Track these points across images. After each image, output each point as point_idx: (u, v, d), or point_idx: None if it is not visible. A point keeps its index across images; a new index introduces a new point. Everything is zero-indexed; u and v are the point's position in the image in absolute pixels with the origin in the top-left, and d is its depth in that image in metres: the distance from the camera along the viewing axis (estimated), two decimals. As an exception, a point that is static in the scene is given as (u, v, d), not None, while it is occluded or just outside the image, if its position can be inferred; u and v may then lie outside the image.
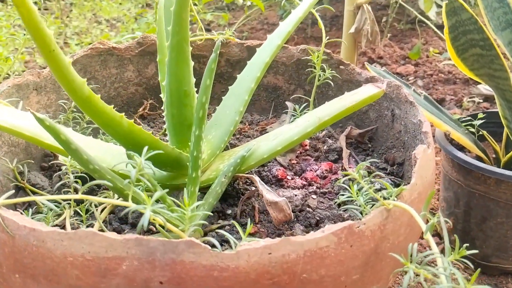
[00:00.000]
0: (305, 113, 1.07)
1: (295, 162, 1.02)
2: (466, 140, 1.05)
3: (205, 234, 0.81)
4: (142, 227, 0.49)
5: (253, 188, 0.88)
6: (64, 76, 0.55)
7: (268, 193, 0.80)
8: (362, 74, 1.07)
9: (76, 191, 0.77)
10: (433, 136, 1.07)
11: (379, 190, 0.87)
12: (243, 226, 0.84)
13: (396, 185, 0.92)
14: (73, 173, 0.82)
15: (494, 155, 1.11)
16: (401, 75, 2.27)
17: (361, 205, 0.66)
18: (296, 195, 0.86)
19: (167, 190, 0.67)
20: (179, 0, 0.70)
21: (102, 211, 0.79)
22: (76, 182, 0.77)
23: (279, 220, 0.80)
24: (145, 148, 0.61)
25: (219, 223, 0.83)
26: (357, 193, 0.66)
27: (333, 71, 1.08)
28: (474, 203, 1.06)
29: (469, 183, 1.04)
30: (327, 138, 1.10)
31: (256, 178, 0.82)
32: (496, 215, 1.03)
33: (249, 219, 0.83)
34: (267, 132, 1.13)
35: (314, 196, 0.89)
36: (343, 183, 0.81)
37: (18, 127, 0.76)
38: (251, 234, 0.81)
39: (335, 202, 0.88)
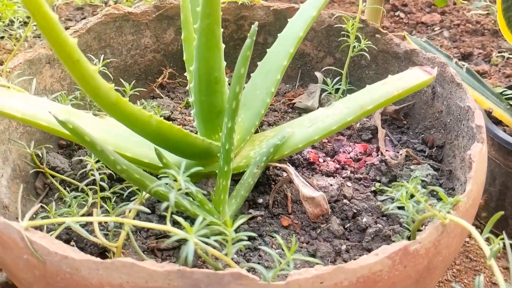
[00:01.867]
0: (338, 88, 1.00)
1: (327, 140, 0.97)
2: (509, 118, 0.99)
3: (238, 226, 0.77)
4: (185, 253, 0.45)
5: (285, 175, 0.83)
6: (90, 85, 0.49)
7: (304, 187, 0.75)
8: (401, 45, 0.98)
9: (102, 189, 0.73)
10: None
11: (424, 182, 0.82)
12: (276, 216, 0.80)
13: (435, 170, 0.87)
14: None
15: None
16: (426, 24, 2.14)
17: (410, 212, 0.61)
18: (331, 185, 0.81)
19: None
20: None
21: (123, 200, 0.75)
22: (102, 179, 0.73)
23: (315, 214, 0.76)
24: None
25: (251, 213, 0.79)
26: (407, 199, 0.61)
27: (369, 41, 0.99)
28: (510, 180, 1.01)
29: (509, 164, 0.99)
30: (359, 113, 1.03)
31: (291, 170, 0.77)
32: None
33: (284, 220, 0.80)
34: (295, 104, 1.07)
35: (349, 184, 0.84)
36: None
37: (33, 116, 0.71)
38: (285, 227, 0.78)
39: (371, 190, 0.84)
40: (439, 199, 0.80)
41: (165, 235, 0.75)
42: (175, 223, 0.75)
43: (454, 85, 0.85)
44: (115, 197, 0.82)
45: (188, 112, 1.07)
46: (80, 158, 0.85)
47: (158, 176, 0.78)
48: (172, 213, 0.53)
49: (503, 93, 1.05)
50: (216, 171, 0.81)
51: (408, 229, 0.72)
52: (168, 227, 0.49)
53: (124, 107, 0.56)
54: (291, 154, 0.80)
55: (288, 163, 0.80)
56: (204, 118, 0.77)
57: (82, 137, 0.59)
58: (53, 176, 0.87)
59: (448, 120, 0.89)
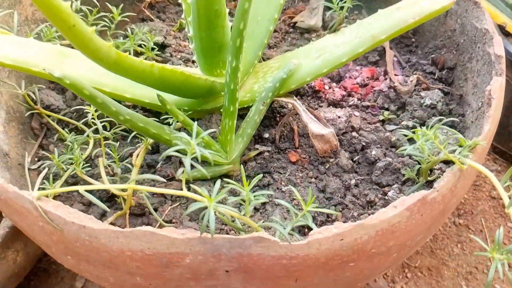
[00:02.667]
0: (342, 7, 0.93)
1: (331, 64, 0.92)
2: (522, 32, 0.94)
3: (245, 163, 0.77)
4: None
5: (290, 106, 0.81)
6: (90, 48, 0.44)
7: (313, 124, 0.73)
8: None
9: (105, 138, 0.70)
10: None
11: (430, 107, 0.80)
12: (283, 151, 0.79)
13: (445, 94, 0.84)
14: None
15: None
16: None
17: (425, 152, 0.60)
18: (339, 117, 0.79)
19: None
20: None
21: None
22: (104, 127, 0.70)
23: (324, 150, 0.74)
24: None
25: (257, 149, 0.78)
26: (422, 141, 0.59)
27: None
28: (518, 99, 0.99)
29: (518, 80, 0.96)
30: (365, 32, 0.97)
31: (299, 106, 0.74)
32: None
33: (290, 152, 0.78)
34: (297, 24, 1.00)
35: (356, 113, 0.82)
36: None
37: (24, 62, 0.65)
38: (293, 163, 0.77)
39: (380, 120, 0.82)
40: (449, 127, 0.79)
41: (172, 178, 0.74)
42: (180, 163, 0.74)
43: (471, 3, 0.79)
44: (116, 139, 0.79)
45: (183, 36, 1.00)
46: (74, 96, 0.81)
47: (161, 118, 0.76)
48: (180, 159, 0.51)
49: (517, 3, 0.98)
50: (219, 106, 0.78)
51: (418, 162, 0.72)
52: (185, 192, 0.47)
53: (125, 63, 0.51)
54: (298, 87, 0.77)
55: (294, 97, 0.77)
56: (205, 53, 0.72)
57: (81, 91, 0.55)
58: (48, 116, 0.83)
59: (462, 41, 0.84)
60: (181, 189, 0.66)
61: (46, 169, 0.71)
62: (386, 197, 0.69)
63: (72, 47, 0.79)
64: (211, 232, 0.43)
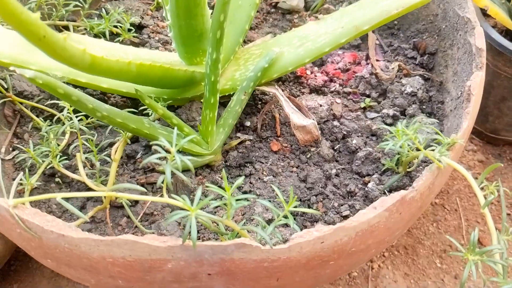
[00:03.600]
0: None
1: (312, 47, 0.91)
2: (503, 15, 0.93)
3: (226, 152, 0.76)
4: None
5: (271, 94, 0.80)
6: (63, 57, 0.42)
7: (295, 114, 0.73)
8: None
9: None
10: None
11: (412, 95, 0.80)
12: (265, 140, 0.79)
13: (425, 79, 0.84)
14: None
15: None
16: None
17: (405, 148, 0.61)
18: (321, 105, 0.78)
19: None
20: None
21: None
22: (81, 119, 0.68)
23: (305, 140, 0.74)
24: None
25: (239, 138, 0.77)
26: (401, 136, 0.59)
27: None
28: (497, 83, 1.00)
29: (497, 64, 0.97)
30: (348, 14, 0.96)
31: (280, 96, 0.74)
32: (518, 97, 0.99)
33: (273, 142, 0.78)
34: (278, 4, 0.98)
35: (338, 100, 0.82)
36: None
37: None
38: (275, 152, 0.77)
39: (361, 107, 0.81)
40: (429, 114, 0.79)
41: (153, 169, 0.73)
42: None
43: (454, -10, 0.78)
44: (94, 127, 0.78)
45: (160, 16, 0.97)
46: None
47: (139, 109, 0.74)
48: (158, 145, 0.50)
49: (500, -15, 0.97)
50: (200, 94, 0.77)
51: (397, 152, 0.72)
52: (166, 199, 0.47)
53: (102, 65, 0.49)
54: (280, 76, 0.76)
55: (276, 86, 0.76)
56: (184, 42, 0.70)
57: (55, 90, 0.53)
58: (21, 103, 0.80)
59: (444, 26, 0.83)
60: (162, 183, 0.66)
61: (22, 162, 0.69)
62: (366, 188, 0.69)
63: None
64: (193, 241, 0.43)
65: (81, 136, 0.68)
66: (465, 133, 0.59)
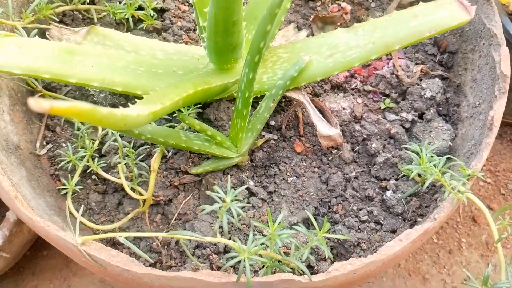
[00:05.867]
0: None
1: (334, 38, 0.91)
2: (524, 9, 0.94)
3: (252, 152, 0.80)
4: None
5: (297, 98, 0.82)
6: (130, 125, 0.44)
7: (321, 123, 0.76)
8: None
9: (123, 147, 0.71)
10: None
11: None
12: (288, 139, 0.82)
13: (442, 79, 0.87)
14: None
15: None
16: None
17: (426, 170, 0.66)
18: (344, 109, 0.82)
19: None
20: None
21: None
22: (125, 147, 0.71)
23: (329, 146, 0.78)
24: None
25: (263, 136, 0.81)
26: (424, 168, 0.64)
27: None
28: (508, 73, 1.03)
29: (512, 57, 0.99)
30: (371, 2, 0.95)
31: (307, 104, 0.76)
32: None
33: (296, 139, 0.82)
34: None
35: (359, 100, 0.85)
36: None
37: (33, 69, 0.64)
38: (298, 153, 0.81)
39: (381, 108, 0.85)
40: (444, 116, 0.83)
41: (186, 172, 0.77)
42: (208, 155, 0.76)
43: (483, -2, 0.78)
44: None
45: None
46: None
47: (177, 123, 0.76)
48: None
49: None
50: (228, 96, 0.79)
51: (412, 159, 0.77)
52: (221, 239, 0.52)
53: (160, 113, 0.52)
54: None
55: (303, 91, 0.78)
56: (218, 53, 0.71)
57: (103, 124, 0.55)
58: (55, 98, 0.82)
59: (467, 29, 0.84)
60: (195, 181, 0.70)
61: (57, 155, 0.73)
62: (384, 197, 0.75)
63: (78, 43, 0.76)
64: (248, 282, 0.49)
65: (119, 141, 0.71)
66: (483, 162, 0.64)
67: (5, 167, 0.66)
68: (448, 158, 0.79)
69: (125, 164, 0.73)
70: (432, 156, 0.65)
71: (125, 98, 0.83)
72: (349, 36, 0.74)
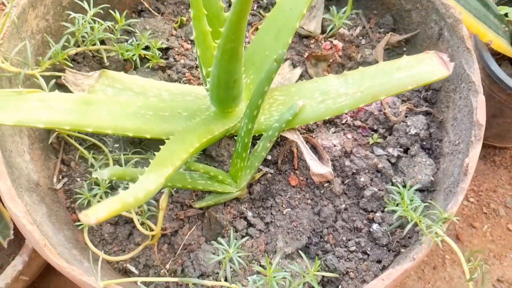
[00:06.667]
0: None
1: (327, 73, 0.99)
2: (505, 47, 1.01)
3: (250, 185, 0.88)
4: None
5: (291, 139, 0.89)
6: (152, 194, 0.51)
7: (313, 162, 0.83)
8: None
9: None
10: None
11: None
12: (284, 173, 0.90)
13: (426, 114, 0.94)
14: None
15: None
16: None
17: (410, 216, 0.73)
18: (335, 145, 0.89)
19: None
20: (237, 11, 0.56)
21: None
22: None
23: (320, 181, 0.86)
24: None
25: (261, 170, 0.89)
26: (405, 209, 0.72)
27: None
28: (490, 103, 1.10)
29: (493, 89, 1.07)
30: (361, 39, 1.02)
31: (301, 145, 0.84)
32: (507, 117, 1.10)
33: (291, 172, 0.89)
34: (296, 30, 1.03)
35: (349, 136, 0.92)
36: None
37: (54, 122, 0.71)
38: (293, 186, 0.88)
39: (369, 143, 0.92)
40: (428, 149, 0.90)
41: (190, 206, 0.85)
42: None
43: (462, 45, 0.85)
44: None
45: (184, 35, 1.02)
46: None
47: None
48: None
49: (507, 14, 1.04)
50: (229, 135, 0.87)
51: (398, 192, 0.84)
52: (223, 283, 0.60)
53: (164, 182, 0.59)
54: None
55: (297, 132, 0.86)
56: (220, 102, 0.78)
57: (123, 178, 0.63)
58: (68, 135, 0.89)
59: (449, 70, 0.91)
60: (199, 214, 0.78)
61: (73, 188, 0.80)
62: (371, 229, 0.83)
63: (91, 86, 0.83)
64: None
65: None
66: (459, 205, 0.72)
67: (30, 208, 0.73)
68: (430, 191, 0.87)
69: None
70: (411, 200, 0.73)
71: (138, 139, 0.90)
72: (339, 82, 0.81)
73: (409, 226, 0.69)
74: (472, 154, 0.73)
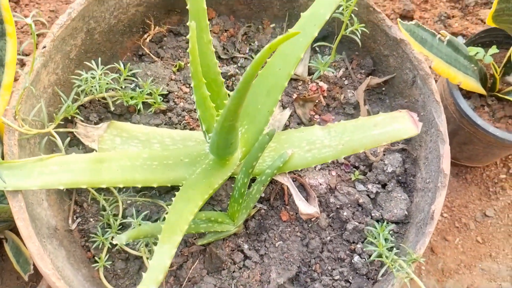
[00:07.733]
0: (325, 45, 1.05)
1: (314, 113, 1.09)
2: (473, 85, 1.12)
3: (246, 221, 0.98)
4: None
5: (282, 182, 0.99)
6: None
7: (301, 203, 0.94)
8: (392, 29, 1.01)
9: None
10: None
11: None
12: (276, 208, 1.01)
13: (402, 150, 1.05)
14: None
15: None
16: None
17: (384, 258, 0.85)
18: (321, 184, 1.00)
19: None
20: (236, 97, 0.66)
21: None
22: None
23: (307, 218, 0.97)
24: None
25: (256, 206, 0.99)
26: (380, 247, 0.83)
27: (362, 26, 1.00)
28: (461, 133, 1.22)
29: (463, 121, 1.18)
30: (345, 80, 1.12)
31: (291, 188, 0.94)
32: (476, 144, 1.22)
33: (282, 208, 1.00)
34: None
35: (333, 173, 1.03)
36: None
37: (72, 183, 0.81)
38: (284, 221, 0.99)
39: (351, 180, 1.03)
40: (403, 184, 1.02)
41: (193, 243, 0.95)
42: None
43: (432, 96, 0.96)
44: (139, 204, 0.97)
45: (183, 79, 1.10)
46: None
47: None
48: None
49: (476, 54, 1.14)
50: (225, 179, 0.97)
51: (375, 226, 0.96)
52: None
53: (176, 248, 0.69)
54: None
55: (287, 175, 0.96)
56: (218, 156, 0.88)
57: (138, 236, 0.73)
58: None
59: (422, 113, 1.02)
60: (201, 249, 0.89)
61: (87, 229, 0.91)
62: (352, 261, 0.95)
63: (100, 136, 0.92)
64: None
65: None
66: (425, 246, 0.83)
67: (52, 256, 0.83)
68: (405, 223, 0.99)
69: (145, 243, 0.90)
70: (386, 239, 0.84)
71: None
72: (323, 134, 0.92)
73: (383, 270, 0.80)
74: (437, 202, 0.85)
